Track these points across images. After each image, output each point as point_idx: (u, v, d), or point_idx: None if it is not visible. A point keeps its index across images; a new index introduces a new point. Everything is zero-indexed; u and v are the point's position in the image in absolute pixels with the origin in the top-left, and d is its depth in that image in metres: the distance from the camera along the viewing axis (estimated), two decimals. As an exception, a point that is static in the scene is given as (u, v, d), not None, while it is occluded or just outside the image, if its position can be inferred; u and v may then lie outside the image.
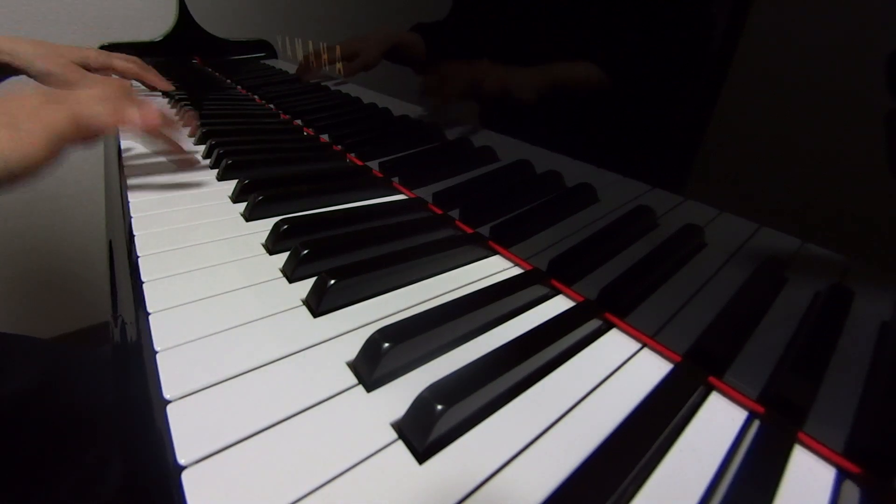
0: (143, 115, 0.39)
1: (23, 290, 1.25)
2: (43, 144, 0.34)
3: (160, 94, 0.83)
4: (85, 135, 0.37)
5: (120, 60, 0.76)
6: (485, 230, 0.37)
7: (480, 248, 0.35)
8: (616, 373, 0.25)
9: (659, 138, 0.25)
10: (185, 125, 0.48)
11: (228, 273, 0.31)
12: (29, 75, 0.67)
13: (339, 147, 0.56)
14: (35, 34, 1.06)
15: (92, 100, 0.39)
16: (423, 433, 0.19)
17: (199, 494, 0.17)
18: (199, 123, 0.59)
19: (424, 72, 0.40)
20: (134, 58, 0.80)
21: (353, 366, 0.24)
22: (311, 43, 0.59)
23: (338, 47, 0.52)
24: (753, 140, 0.20)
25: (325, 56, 0.56)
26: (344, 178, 0.47)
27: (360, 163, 0.52)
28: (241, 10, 0.84)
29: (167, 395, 0.21)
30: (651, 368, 0.25)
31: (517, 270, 0.34)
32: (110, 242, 0.37)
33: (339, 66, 0.54)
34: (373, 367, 0.22)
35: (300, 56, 0.64)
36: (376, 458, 0.19)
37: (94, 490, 0.40)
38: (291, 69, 0.71)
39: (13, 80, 0.69)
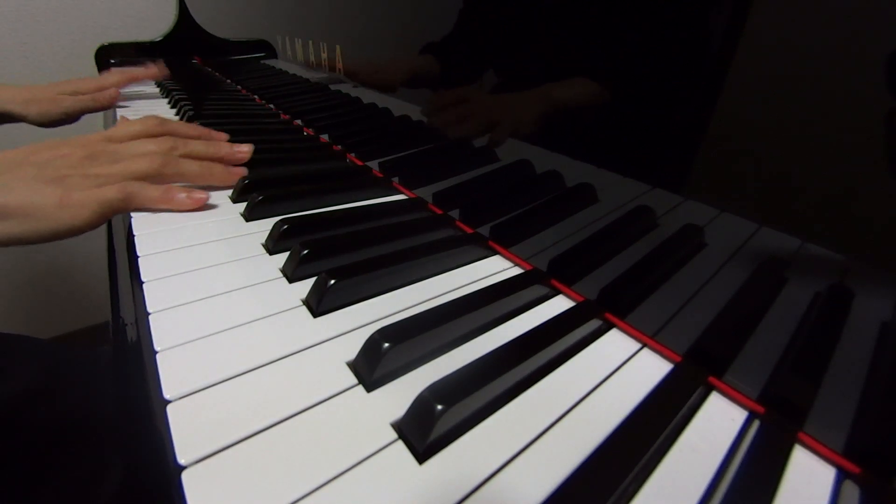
0: (193, 200, 0.40)
1: (23, 290, 1.25)
2: (93, 217, 0.35)
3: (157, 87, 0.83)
4: (133, 210, 0.38)
5: (110, 79, 0.76)
6: (485, 230, 0.37)
7: (480, 248, 0.35)
8: (616, 373, 0.25)
9: (659, 138, 0.25)
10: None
11: (228, 273, 0.31)
12: (28, 122, 0.68)
13: (339, 147, 0.56)
14: (34, 34, 1.06)
15: (142, 166, 0.39)
16: (423, 433, 0.19)
17: (198, 494, 0.17)
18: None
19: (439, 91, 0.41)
20: (121, 71, 0.81)
21: (353, 366, 0.24)
22: (311, 43, 0.59)
23: (356, 66, 0.52)
24: (753, 140, 0.20)
25: (326, 60, 0.56)
26: (344, 178, 0.47)
27: (360, 163, 0.52)
28: (241, 10, 0.84)
29: (167, 395, 0.21)
30: (651, 368, 0.25)
31: (517, 270, 0.34)
32: (110, 242, 0.37)
33: (339, 66, 0.54)
34: (373, 367, 0.22)
35: (300, 56, 0.64)
36: (376, 458, 0.19)
37: (93, 490, 0.40)
38: (291, 69, 0.71)
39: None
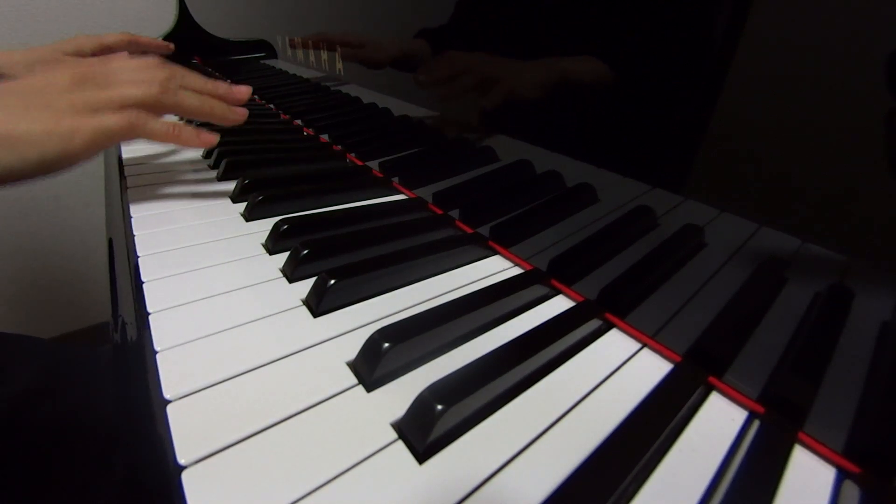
0: (202, 139, 0.38)
1: (23, 290, 1.25)
2: (87, 145, 0.33)
3: None
4: (132, 139, 0.36)
5: (111, 36, 0.75)
6: (485, 230, 0.37)
7: (480, 248, 0.35)
8: (616, 373, 0.25)
9: (659, 138, 0.25)
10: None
11: (228, 273, 0.31)
12: None
13: (339, 147, 0.56)
14: (34, 34, 1.06)
15: (139, 91, 0.36)
16: (423, 433, 0.19)
17: (198, 494, 0.17)
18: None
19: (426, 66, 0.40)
20: (124, 32, 0.79)
21: (353, 366, 0.24)
22: (311, 43, 0.59)
23: (343, 38, 0.51)
24: (754, 139, 0.20)
25: (327, 45, 0.56)
26: (344, 178, 0.47)
27: (360, 163, 0.52)
28: (241, 10, 0.84)
29: (167, 395, 0.21)
30: (651, 368, 0.25)
31: (517, 270, 0.34)
32: (110, 242, 0.37)
33: (339, 61, 0.54)
34: (373, 366, 0.22)
35: (300, 56, 0.64)
36: (376, 458, 0.19)
37: (93, 490, 0.40)
38: (291, 69, 0.71)
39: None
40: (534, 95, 0.31)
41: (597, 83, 0.26)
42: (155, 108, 0.37)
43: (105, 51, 0.74)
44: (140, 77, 0.38)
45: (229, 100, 0.44)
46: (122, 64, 0.39)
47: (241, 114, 0.42)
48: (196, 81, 0.42)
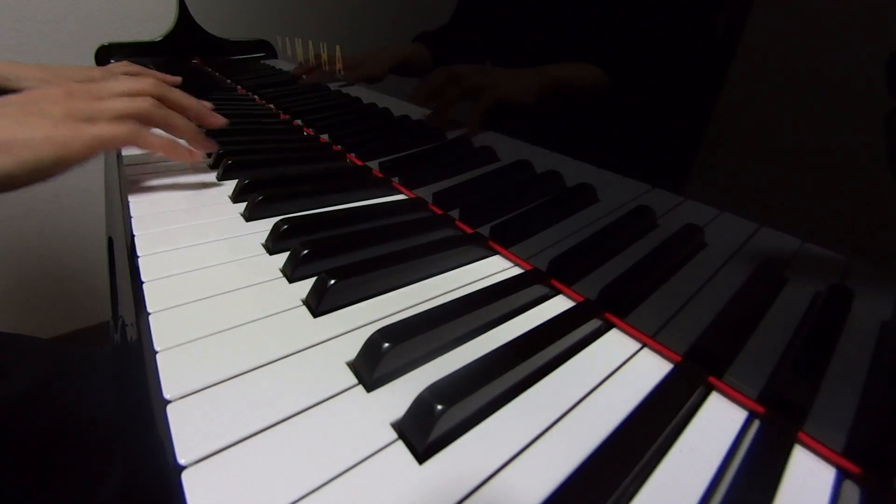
0: (192, 154, 0.42)
1: (23, 290, 1.25)
2: (85, 150, 0.35)
3: None
4: (125, 146, 0.39)
5: (121, 69, 0.76)
6: (485, 230, 0.37)
7: (480, 248, 0.35)
8: (616, 373, 0.25)
9: (659, 138, 0.25)
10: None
11: (228, 273, 0.31)
12: None
13: (339, 147, 0.56)
14: (34, 34, 1.06)
15: (132, 105, 0.39)
16: (423, 433, 0.19)
17: (199, 494, 0.17)
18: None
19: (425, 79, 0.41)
20: (137, 67, 0.79)
21: (353, 366, 0.24)
22: (311, 43, 0.59)
23: (342, 59, 0.52)
24: (753, 140, 0.20)
25: (326, 61, 0.56)
26: (344, 178, 0.47)
27: (360, 163, 0.52)
28: (241, 10, 0.84)
29: (167, 395, 0.21)
30: (651, 368, 0.25)
31: (517, 270, 0.34)
32: (110, 242, 0.37)
33: (339, 66, 0.54)
34: (373, 367, 0.22)
35: (300, 56, 0.64)
36: (376, 459, 0.19)
37: (93, 490, 0.40)
38: (291, 69, 0.71)
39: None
40: (526, 101, 0.31)
41: (596, 84, 0.26)
42: (147, 121, 0.41)
43: None
44: (129, 87, 0.42)
45: (204, 118, 0.49)
46: (115, 81, 0.43)
47: (213, 146, 0.48)
48: (181, 95, 0.47)
